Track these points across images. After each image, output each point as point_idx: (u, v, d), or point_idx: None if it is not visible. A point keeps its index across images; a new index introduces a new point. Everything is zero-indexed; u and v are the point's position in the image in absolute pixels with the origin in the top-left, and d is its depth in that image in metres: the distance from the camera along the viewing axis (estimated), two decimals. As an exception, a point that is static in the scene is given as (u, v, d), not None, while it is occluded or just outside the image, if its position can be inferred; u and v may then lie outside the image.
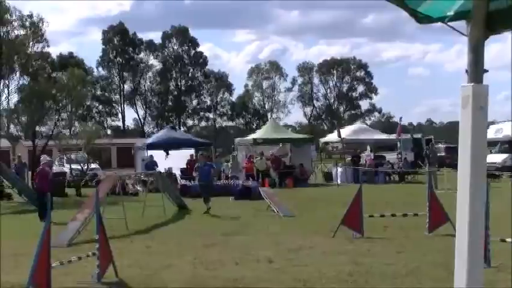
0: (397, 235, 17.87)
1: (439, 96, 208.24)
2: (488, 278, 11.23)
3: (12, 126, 53.85)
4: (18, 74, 41.42)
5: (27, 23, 39.78)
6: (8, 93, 41.09)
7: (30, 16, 39.91)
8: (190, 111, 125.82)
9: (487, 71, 4.16)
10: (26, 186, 33.51)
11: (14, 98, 42.67)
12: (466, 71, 4.17)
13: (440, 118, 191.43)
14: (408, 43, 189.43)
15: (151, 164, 39.28)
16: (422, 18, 4.56)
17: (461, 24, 4.35)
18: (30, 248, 11.23)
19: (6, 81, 40.31)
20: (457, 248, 4.24)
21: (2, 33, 38.63)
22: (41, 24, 40.42)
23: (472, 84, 4.10)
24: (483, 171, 4.20)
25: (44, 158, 26.17)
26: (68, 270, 12.82)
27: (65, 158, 46.12)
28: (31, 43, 40.44)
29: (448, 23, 4.38)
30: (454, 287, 4.32)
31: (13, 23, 39.13)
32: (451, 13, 4.38)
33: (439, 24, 4.49)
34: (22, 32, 39.86)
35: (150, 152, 42.25)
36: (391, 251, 15.31)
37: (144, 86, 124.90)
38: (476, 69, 4.15)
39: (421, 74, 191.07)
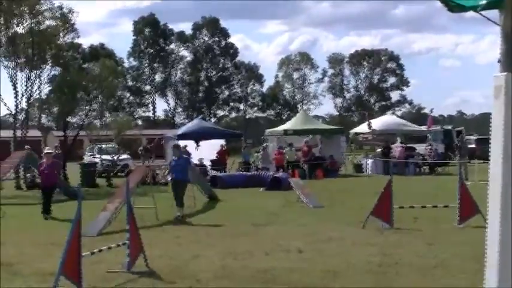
0: (427, 227, 17.78)
1: (471, 87, 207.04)
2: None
3: (43, 116, 54.29)
4: (49, 64, 41.69)
5: (58, 14, 40.03)
6: (40, 83, 41.35)
7: (61, 7, 40.18)
8: (220, 102, 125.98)
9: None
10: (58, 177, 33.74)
11: (46, 88, 42.93)
12: (499, 60, 4.12)
13: (471, 110, 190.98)
14: (439, 34, 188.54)
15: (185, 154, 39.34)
16: (454, 7, 4.52)
17: (494, 14, 4.30)
18: (62, 237, 11.30)
19: (38, 72, 40.54)
20: (488, 240, 4.20)
21: (33, 24, 38.90)
22: (71, 15, 40.68)
23: (505, 73, 4.05)
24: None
25: (46, 150, 25.57)
26: (98, 259, 12.89)
27: (96, 148, 46.37)
28: (62, 34, 40.69)
29: (481, 12, 4.33)
30: (485, 279, 4.29)
31: (44, 14, 39.39)
32: (484, 2, 4.33)
33: (471, 14, 4.44)
34: (53, 23, 40.14)
35: (182, 143, 42.34)
36: (421, 243, 15.24)
37: (175, 76, 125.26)
38: (509, 59, 4.09)
39: (453, 65, 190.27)
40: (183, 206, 21.56)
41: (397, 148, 45.50)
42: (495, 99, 4.07)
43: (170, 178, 23.05)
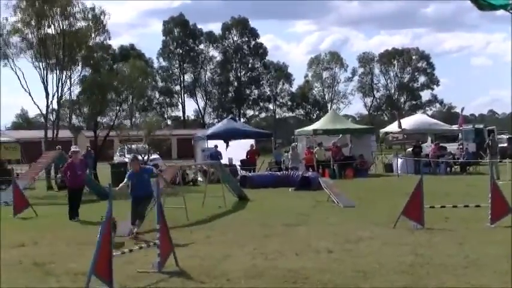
0: (458, 226, 17.68)
1: (502, 86, 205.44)
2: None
3: (74, 117, 54.65)
4: (80, 65, 41.94)
5: (90, 15, 40.26)
6: (71, 84, 41.63)
7: (93, 9, 40.39)
8: (250, 102, 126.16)
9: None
10: (89, 177, 33.93)
11: (76, 89, 43.17)
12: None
13: (503, 109, 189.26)
14: (470, 33, 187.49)
15: (215, 154, 39.39)
16: (484, 6, 4.51)
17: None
18: (93, 237, 11.37)
19: (69, 73, 40.82)
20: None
21: (65, 26, 39.16)
22: (102, 17, 40.88)
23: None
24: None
25: (73, 149, 25.16)
26: (129, 259, 12.97)
27: (126, 148, 46.56)
28: (93, 35, 40.92)
29: (511, 11, 4.31)
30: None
31: (76, 15, 39.64)
32: (514, 1, 4.31)
33: (502, 12, 4.42)
34: (84, 24, 40.37)
35: (212, 143, 42.40)
36: (452, 243, 15.15)
37: (205, 76, 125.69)
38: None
39: (484, 63, 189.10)
40: (142, 221, 18.11)
41: (427, 147, 45.38)
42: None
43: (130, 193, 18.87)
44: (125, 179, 18.83)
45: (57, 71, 39.59)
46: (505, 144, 52.09)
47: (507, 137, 58.35)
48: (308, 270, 12.33)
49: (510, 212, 16.82)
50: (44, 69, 39.43)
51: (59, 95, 39.60)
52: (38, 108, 41.04)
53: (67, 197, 23.03)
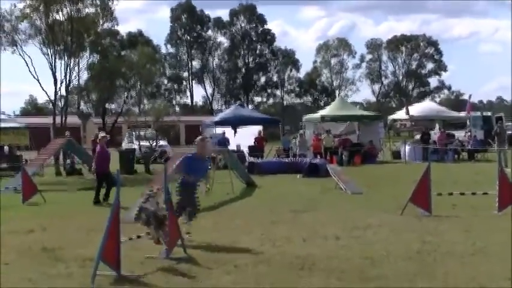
0: (466, 214, 17.68)
1: (511, 73, 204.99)
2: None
3: (82, 103, 54.72)
4: (88, 52, 41.94)
5: (98, 1, 40.25)
6: (79, 70, 41.70)
7: (101, -5, 40.41)
8: (258, 88, 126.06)
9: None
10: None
11: (85, 75, 43.24)
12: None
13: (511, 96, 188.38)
14: (479, 19, 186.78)
15: (223, 141, 39.44)
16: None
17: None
18: (102, 223, 11.43)
19: (77, 59, 40.86)
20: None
21: (73, 12, 39.15)
22: (110, 3, 40.89)
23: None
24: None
25: (102, 134, 25.35)
26: (136, 245, 13.03)
27: (134, 135, 46.60)
28: (101, 21, 40.93)
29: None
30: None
31: (84, 1, 39.63)
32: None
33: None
34: (92, 10, 40.36)
35: (219, 129, 42.42)
36: (459, 230, 15.17)
37: (213, 63, 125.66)
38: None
39: (492, 50, 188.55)
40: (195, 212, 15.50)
41: (434, 134, 45.32)
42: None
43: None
44: (180, 162, 15.82)
45: (65, 57, 39.66)
46: (514, 131, 52.00)
47: (515, 124, 58.22)
48: (315, 256, 12.37)
49: (518, 199, 16.81)
50: (52, 56, 39.52)
51: (67, 81, 39.69)
52: (47, 94, 41.31)
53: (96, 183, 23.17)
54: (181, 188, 15.02)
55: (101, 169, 22.99)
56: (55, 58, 39.47)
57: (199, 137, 16.00)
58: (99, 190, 22.65)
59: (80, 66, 41.57)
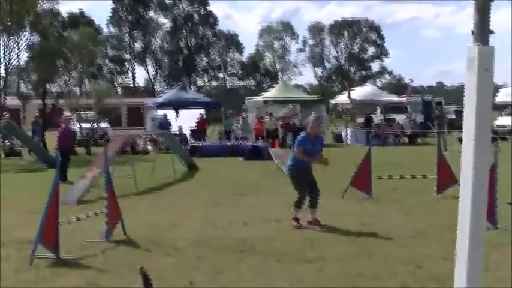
0: (406, 197, 17.90)
1: (451, 59, 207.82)
2: (492, 240, 11.30)
3: (22, 84, 53.94)
4: (28, 31, 41.34)
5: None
6: (18, 51, 41.07)
7: (40, -27, 39.80)
8: (200, 70, 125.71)
9: (493, 32, 4.12)
10: (37, 145, 33.67)
11: (24, 56, 42.63)
12: (472, 32, 4.13)
13: (451, 81, 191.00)
14: (420, 3, 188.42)
15: (165, 123, 39.31)
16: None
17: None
18: (41, 205, 11.29)
19: (16, 39, 40.24)
20: (460, 211, 4.25)
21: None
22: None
23: (478, 45, 4.06)
24: (487, 133, 4.19)
25: (67, 114, 25.63)
26: (76, 227, 12.90)
27: (75, 116, 46.20)
28: (41, 1, 40.32)
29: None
30: (456, 249, 4.34)
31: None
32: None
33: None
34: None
35: (161, 111, 42.28)
36: (399, 213, 15.35)
37: (155, 45, 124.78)
38: (482, 31, 4.11)
39: (433, 36, 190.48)
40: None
41: (376, 118, 45.70)
42: (468, 71, 4.09)
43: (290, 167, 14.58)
44: (297, 146, 14.39)
45: (4, 37, 39.03)
46: (453, 116, 52.72)
47: (455, 108, 59.04)
48: (256, 239, 12.40)
49: (456, 182, 17.01)
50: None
51: (7, 61, 39.09)
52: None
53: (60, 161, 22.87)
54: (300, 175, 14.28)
55: (66, 147, 23.53)
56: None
57: (314, 116, 15.08)
58: (65, 167, 22.44)
59: (20, 47, 40.94)
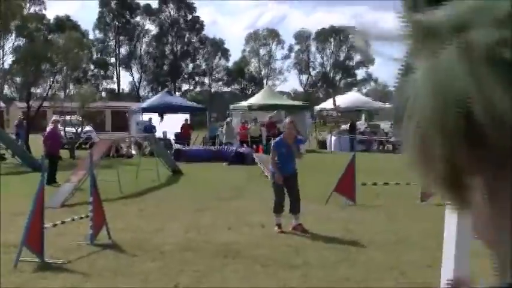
0: (389, 203, 17.97)
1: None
2: (479, 246, 11.35)
3: (6, 87, 53.79)
4: (13, 35, 41.27)
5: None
6: (3, 53, 41.01)
7: (27, -23, 39.74)
8: (185, 76, 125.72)
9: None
10: (21, 148, 33.55)
11: (9, 59, 42.56)
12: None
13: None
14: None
15: (149, 127, 39.25)
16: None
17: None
18: (26, 208, 11.28)
19: (1, 42, 40.17)
20: (447, 216, 4.29)
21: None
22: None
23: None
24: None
25: (54, 117, 25.70)
26: (61, 231, 12.89)
27: (60, 120, 46.01)
28: (27, 5, 40.27)
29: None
30: (443, 256, 4.38)
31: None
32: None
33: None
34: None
35: (146, 116, 42.22)
36: (383, 219, 15.42)
37: (140, 49, 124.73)
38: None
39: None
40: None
41: (361, 125, 45.81)
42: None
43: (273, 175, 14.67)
44: (272, 151, 14.73)
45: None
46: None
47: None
48: (240, 244, 12.43)
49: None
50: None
51: (-9, 64, 39.04)
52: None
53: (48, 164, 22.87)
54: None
55: (53, 150, 23.54)
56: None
57: (288, 119, 15.52)
58: (53, 170, 22.47)
59: (5, 50, 40.85)
